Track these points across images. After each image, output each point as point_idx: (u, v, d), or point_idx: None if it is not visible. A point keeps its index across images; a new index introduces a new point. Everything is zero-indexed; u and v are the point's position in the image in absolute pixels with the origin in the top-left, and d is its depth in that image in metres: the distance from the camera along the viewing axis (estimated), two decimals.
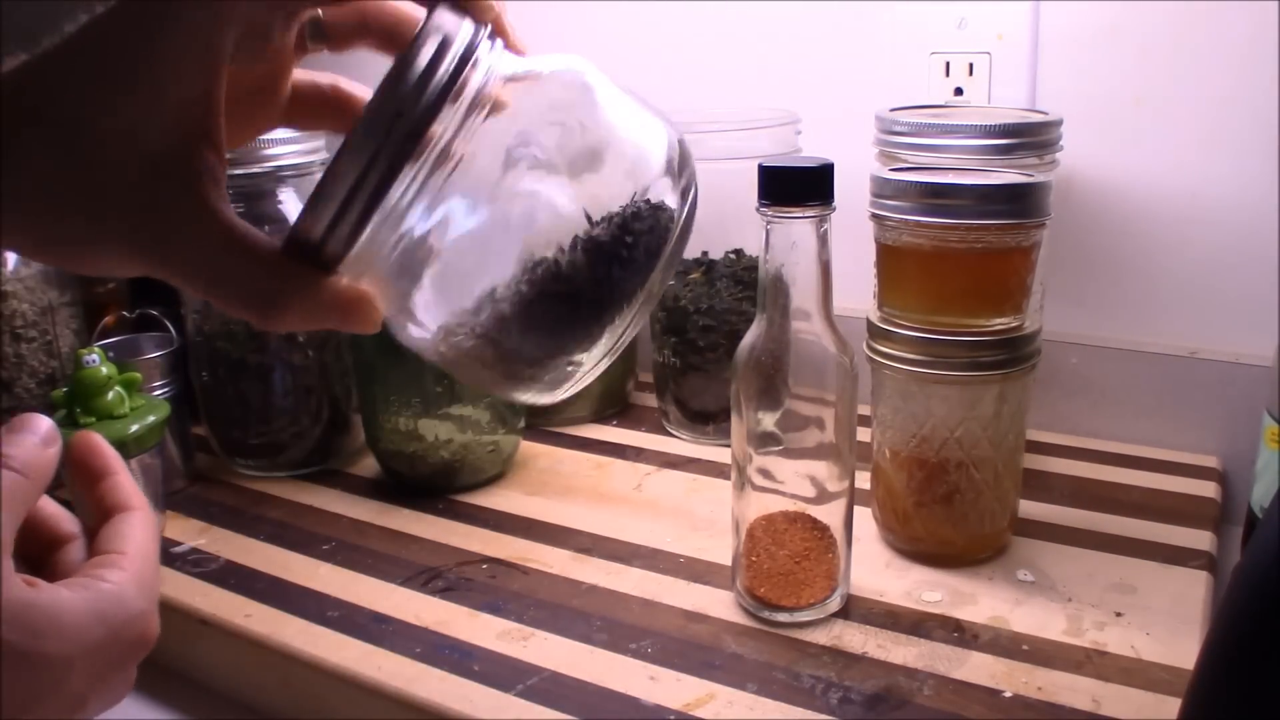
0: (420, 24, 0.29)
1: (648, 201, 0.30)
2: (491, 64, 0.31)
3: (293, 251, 0.30)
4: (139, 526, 0.36)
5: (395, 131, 0.28)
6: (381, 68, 0.29)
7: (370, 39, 0.35)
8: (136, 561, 0.34)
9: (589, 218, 0.30)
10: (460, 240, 0.31)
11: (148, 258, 0.30)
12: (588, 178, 0.31)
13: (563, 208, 0.30)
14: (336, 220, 0.29)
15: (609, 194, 0.30)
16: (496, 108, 0.31)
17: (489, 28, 0.31)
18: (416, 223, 0.30)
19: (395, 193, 0.29)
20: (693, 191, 0.32)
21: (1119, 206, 0.73)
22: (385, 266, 0.31)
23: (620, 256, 0.30)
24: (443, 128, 0.29)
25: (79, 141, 0.29)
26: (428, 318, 0.32)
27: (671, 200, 0.31)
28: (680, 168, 0.32)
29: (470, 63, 0.30)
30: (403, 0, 0.35)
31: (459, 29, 0.30)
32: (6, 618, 0.29)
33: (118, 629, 0.32)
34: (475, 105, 0.30)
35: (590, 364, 0.32)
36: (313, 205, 0.29)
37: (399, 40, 0.35)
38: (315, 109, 0.37)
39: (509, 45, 0.33)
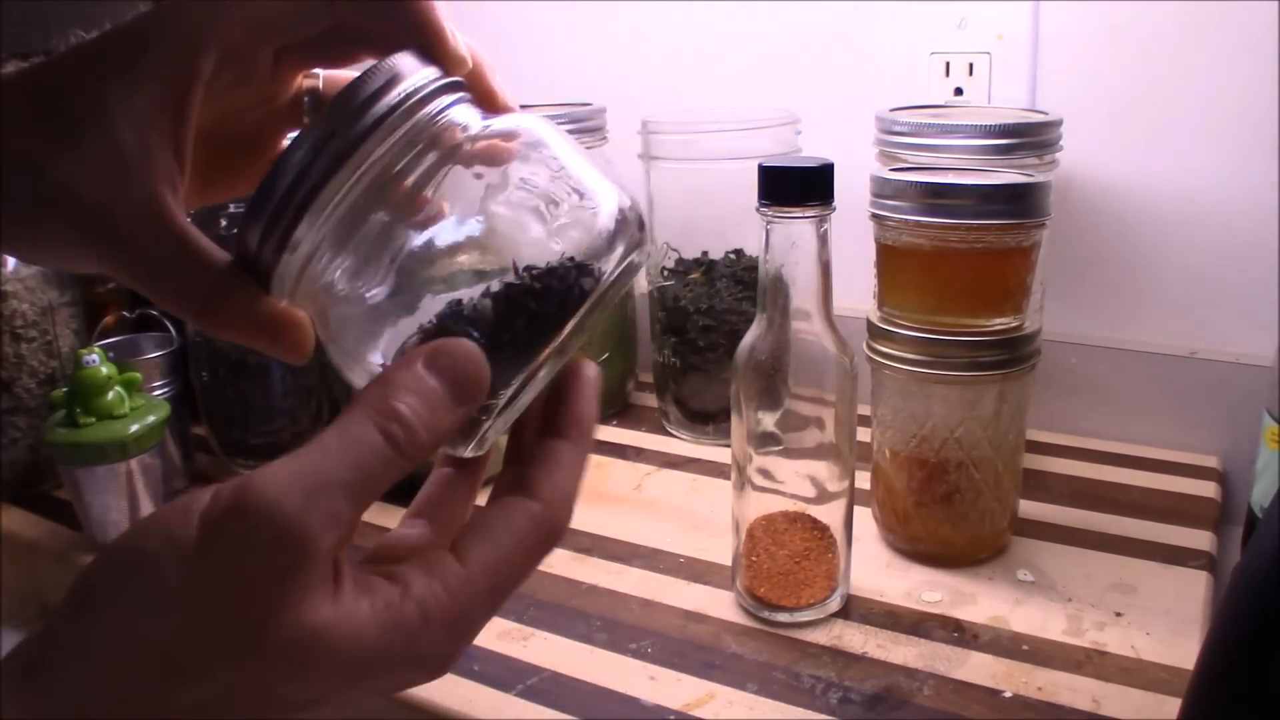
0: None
1: (571, 260, 0.30)
2: (446, 111, 0.31)
3: (240, 263, 0.30)
4: (518, 529, 0.28)
5: (325, 151, 0.28)
6: None
7: None
8: (473, 587, 0.27)
9: (515, 269, 0.29)
10: (388, 277, 0.30)
11: (100, 252, 0.29)
12: (524, 231, 0.31)
13: (493, 256, 0.30)
14: (266, 234, 0.29)
15: (537, 250, 0.30)
16: (453, 155, 0.31)
17: (455, 79, 0.31)
18: (351, 250, 0.30)
19: (322, 211, 0.29)
20: (624, 261, 0.32)
21: (1119, 206, 0.73)
22: (323, 293, 0.31)
23: (527, 310, 0.29)
24: (377, 158, 0.29)
25: (58, 123, 0.29)
26: (359, 349, 0.31)
27: (605, 265, 0.31)
28: (616, 236, 0.31)
29: (417, 101, 0.30)
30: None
31: (417, 71, 0.30)
32: (280, 650, 0.24)
33: (394, 677, 0.27)
34: (415, 143, 0.30)
35: (494, 414, 0.31)
36: (245, 217, 0.29)
37: None
38: None
39: (494, 101, 0.33)
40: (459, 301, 0.29)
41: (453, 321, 0.29)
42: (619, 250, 0.31)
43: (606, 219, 0.32)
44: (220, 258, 0.30)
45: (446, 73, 0.31)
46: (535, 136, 0.32)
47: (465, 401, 0.27)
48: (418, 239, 0.30)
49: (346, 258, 0.30)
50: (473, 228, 0.31)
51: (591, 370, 0.32)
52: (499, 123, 0.32)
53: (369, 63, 0.31)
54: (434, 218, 0.30)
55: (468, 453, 0.31)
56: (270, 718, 0.26)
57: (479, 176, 0.31)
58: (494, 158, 0.31)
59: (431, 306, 0.29)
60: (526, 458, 0.30)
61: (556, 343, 0.30)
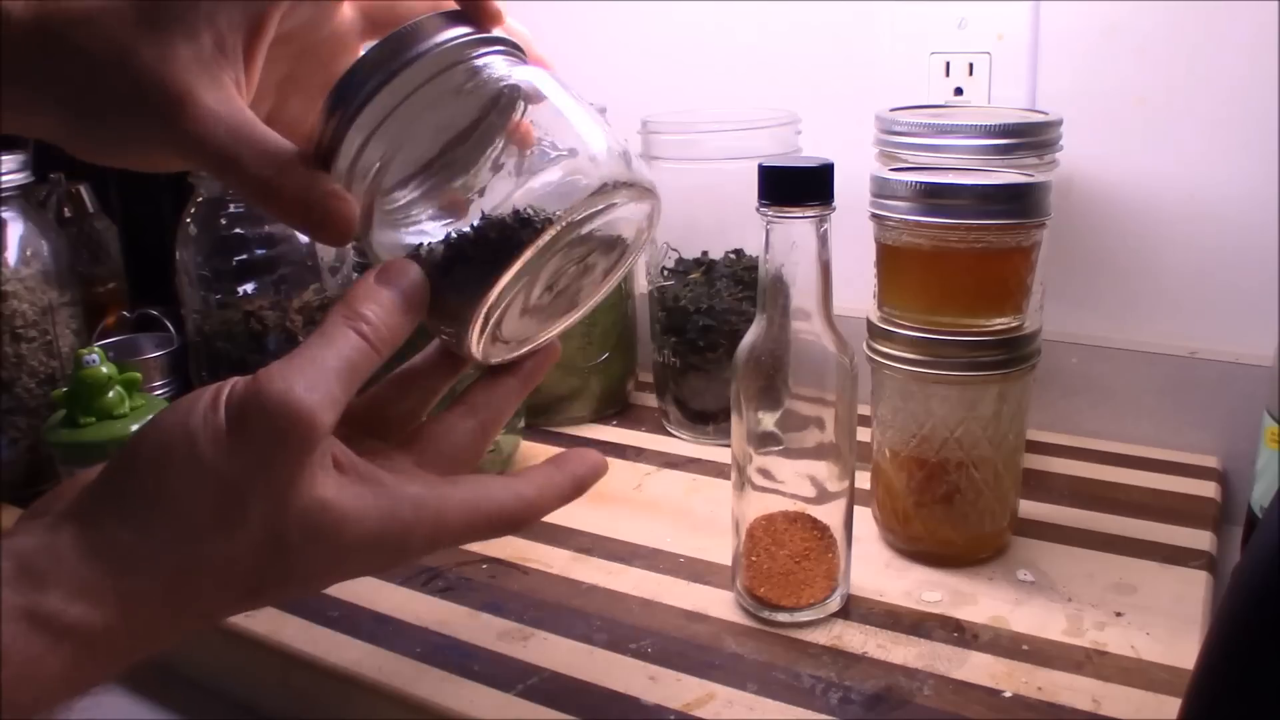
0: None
1: (517, 214, 0.34)
2: (482, 55, 0.36)
3: (313, 150, 0.35)
4: (505, 502, 0.35)
5: (383, 67, 0.34)
6: None
7: None
8: (465, 505, 0.33)
9: (482, 215, 0.34)
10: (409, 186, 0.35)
11: (177, 138, 0.33)
12: (496, 179, 0.35)
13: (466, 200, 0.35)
14: (328, 117, 0.34)
15: (501, 199, 0.34)
16: (479, 98, 0.35)
17: (495, 35, 0.36)
18: (381, 157, 0.35)
19: (379, 105, 0.34)
20: (595, 208, 0.35)
21: (1119, 206, 0.73)
22: (361, 190, 0.35)
23: (468, 259, 0.34)
24: (420, 81, 0.34)
25: (154, 23, 0.33)
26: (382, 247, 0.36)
27: (569, 215, 0.34)
28: (588, 188, 0.35)
29: (459, 45, 0.35)
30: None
31: (463, 25, 0.36)
32: (295, 518, 0.30)
33: (384, 559, 0.32)
34: (451, 76, 0.35)
35: (471, 336, 0.36)
36: (324, 108, 0.34)
37: None
38: None
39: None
40: (418, 248, 0.34)
41: (414, 259, 0.34)
42: (590, 200, 0.35)
43: (579, 171, 0.35)
44: (286, 147, 0.34)
45: (483, 27, 0.36)
46: (540, 92, 0.36)
47: (413, 309, 0.34)
48: (424, 168, 0.35)
49: (384, 165, 0.35)
50: (462, 168, 0.35)
51: (599, 464, 0.39)
52: (519, 73, 0.36)
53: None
54: (451, 152, 0.35)
55: (476, 356, 0.37)
56: (286, 586, 0.31)
57: (484, 123, 0.36)
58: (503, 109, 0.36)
59: (421, 230, 0.35)
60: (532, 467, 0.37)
61: (499, 286, 0.34)
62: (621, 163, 0.36)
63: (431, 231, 0.35)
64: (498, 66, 0.36)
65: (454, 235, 0.34)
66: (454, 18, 0.36)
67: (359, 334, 0.32)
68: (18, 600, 0.27)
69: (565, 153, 0.35)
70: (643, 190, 0.36)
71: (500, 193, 0.34)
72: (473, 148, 0.36)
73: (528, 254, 0.34)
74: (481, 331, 0.36)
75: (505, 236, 0.34)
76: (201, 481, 0.29)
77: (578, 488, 0.37)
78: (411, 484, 0.33)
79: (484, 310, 0.35)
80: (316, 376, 0.30)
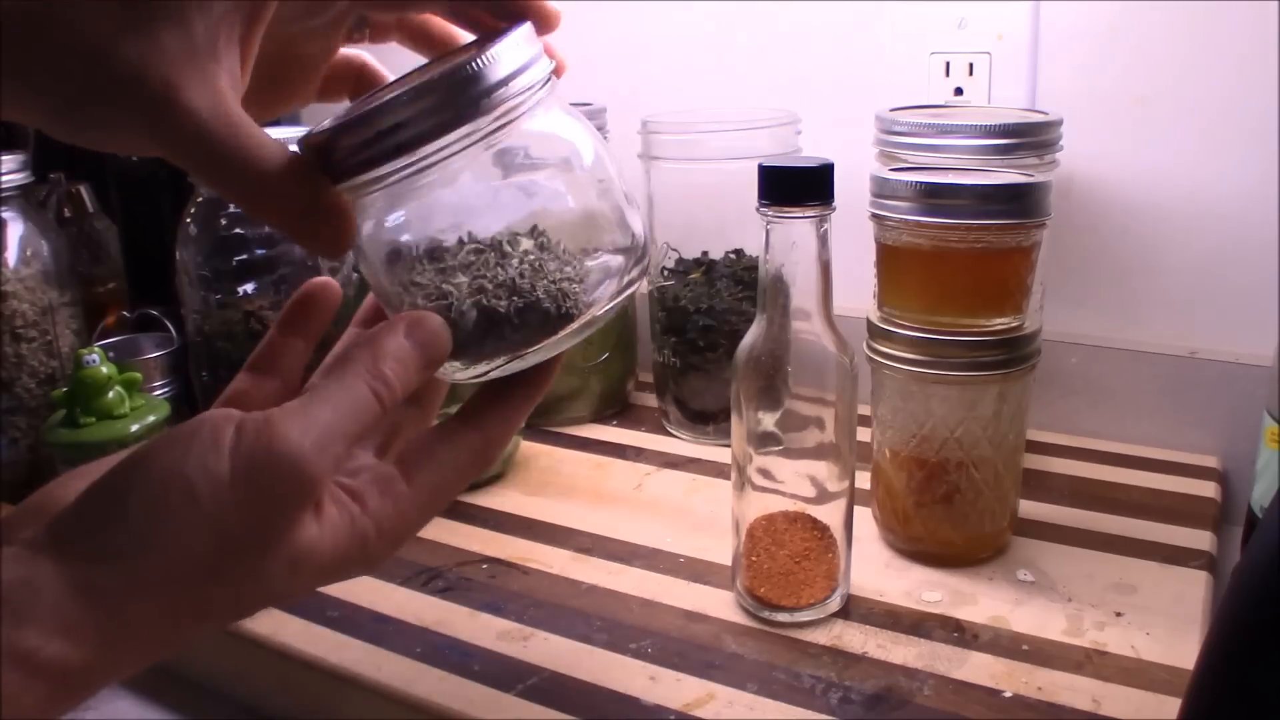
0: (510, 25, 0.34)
1: (558, 302, 0.34)
2: (528, 109, 0.34)
3: (310, 152, 0.33)
4: (459, 461, 0.34)
5: (458, 97, 0.31)
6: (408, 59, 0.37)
7: (403, 37, 0.41)
8: (416, 504, 0.33)
9: (513, 287, 0.33)
10: (430, 221, 0.34)
11: (159, 134, 0.31)
12: (536, 257, 0.34)
13: (496, 265, 0.34)
14: (367, 144, 0.32)
15: (534, 276, 0.34)
16: (514, 155, 0.34)
17: (542, 78, 0.34)
18: (406, 196, 0.33)
19: (429, 148, 0.32)
20: (617, 298, 0.36)
21: (1119, 206, 0.73)
22: (372, 211, 0.34)
23: (500, 334, 0.34)
24: (462, 135, 0.32)
25: (137, 10, 0.30)
26: (379, 268, 0.35)
27: (594, 305, 0.34)
28: (615, 281, 0.35)
29: (546, 75, 0.34)
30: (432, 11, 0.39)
31: (516, 72, 0.33)
32: (280, 562, 0.30)
33: (349, 572, 0.33)
34: (521, 116, 0.33)
35: (464, 376, 0.36)
36: (356, 122, 0.32)
37: (428, 41, 0.40)
38: (344, 82, 0.41)
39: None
40: (449, 305, 0.33)
41: (440, 315, 0.33)
42: (612, 291, 0.35)
43: (613, 264, 0.35)
44: (275, 149, 0.32)
45: (535, 33, 0.34)
46: (573, 158, 0.36)
47: (431, 366, 0.33)
48: (448, 219, 0.34)
49: (399, 203, 0.34)
50: (494, 229, 0.34)
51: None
52: (565, 130, 0.35)
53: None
54: (472, 208, 0.34)
55: (452, 381, 0.37)
56: (258, 606, 0.32)
57: (522, 183, 0.35)
58: (544, 170, 0.35)
59: (432, 279, 0.34)
60: (482, 391, 0.36)
61: (518, 355, 0.34)
62: (645, 242, 0.36)
63: (453, 281, 0.34)
64: (546, 126, 0.35)
65: (485, 302, 0.33)
66: (512, 50, 0.33)
67: (376, 396, 0.31)
68: None
69: (601, 232, 0.35)
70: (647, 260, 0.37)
71: (537, 269, 0.34)
72: (502, 207, 0.35)
73: (555, 338, 0.34)
74: (478, 376, 0.36)
75: (541, 320, 0.34)
76: (197, 533, 0.29)
77: (530, 401, 0.36)
78: (371, 499, 0.33)
79: (494, 370, 0.35)
80: (329, 439, 0.30)
